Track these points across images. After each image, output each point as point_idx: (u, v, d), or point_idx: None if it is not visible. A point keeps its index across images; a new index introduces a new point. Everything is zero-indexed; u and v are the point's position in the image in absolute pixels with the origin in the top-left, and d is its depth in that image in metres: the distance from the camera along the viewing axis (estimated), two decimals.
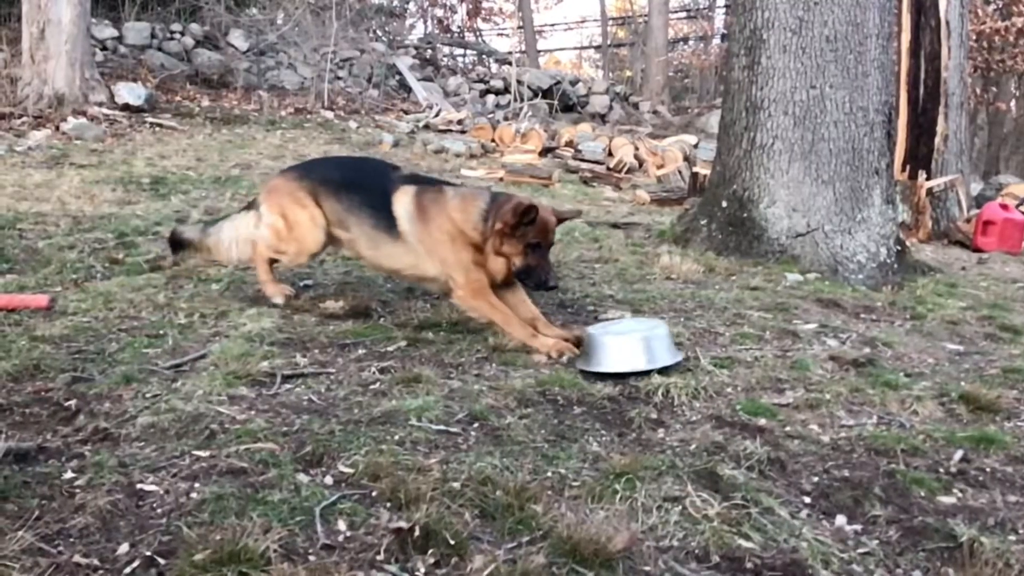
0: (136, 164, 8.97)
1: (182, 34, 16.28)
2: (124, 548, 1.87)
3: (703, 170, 9.34)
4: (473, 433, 2.60)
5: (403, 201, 3.77)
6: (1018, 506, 2.28)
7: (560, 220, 3.79)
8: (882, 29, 5.66)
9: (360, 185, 3.98)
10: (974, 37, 14.63)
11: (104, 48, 15.04)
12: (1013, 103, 22.05)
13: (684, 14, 31.71)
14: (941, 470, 2.50)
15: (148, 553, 1.85)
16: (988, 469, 2.52)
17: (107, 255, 4.94)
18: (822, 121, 5.58)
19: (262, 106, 14.24)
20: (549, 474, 2.32)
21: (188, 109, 13.18)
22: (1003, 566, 1.91)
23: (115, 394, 2.81)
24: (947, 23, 9.02)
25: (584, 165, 11.86)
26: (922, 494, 2.33)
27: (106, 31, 15.38)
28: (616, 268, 5.35)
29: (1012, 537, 2.09)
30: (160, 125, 11.73)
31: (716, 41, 27.31)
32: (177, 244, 4.42)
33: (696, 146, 13.70)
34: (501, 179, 10.21)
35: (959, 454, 2.60)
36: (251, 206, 4.27)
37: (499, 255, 3.61)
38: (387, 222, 3.79)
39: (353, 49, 17.96)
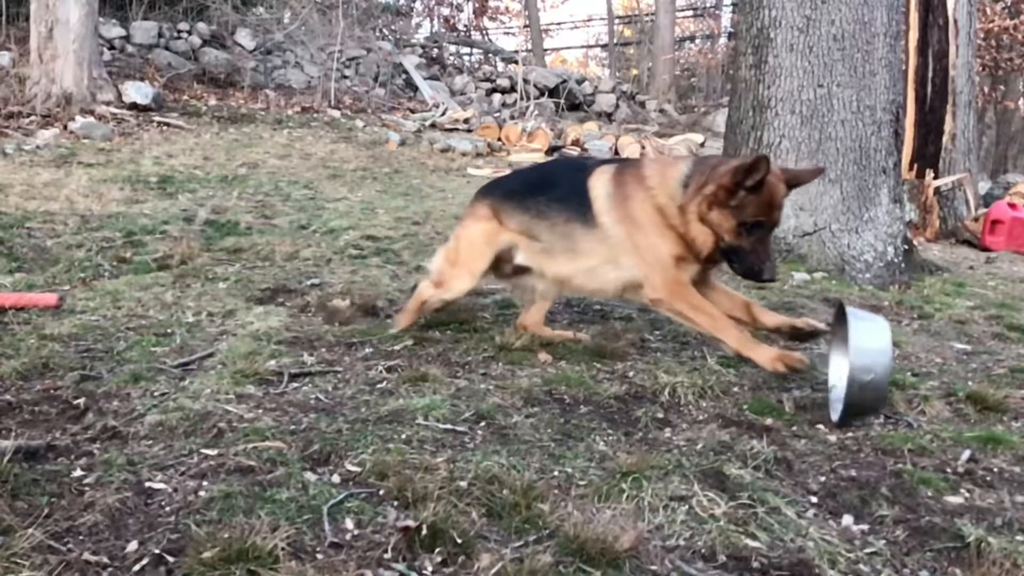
0: (143, 163, 9.00)
1: (189, 33, 16.31)
2: (133, 546, 1.88)
3: None
4: (480, 432, 2.60)
5: (601, 180, 3.29)
6: None
7: (793, 185, 3.10)
8: (890, 28, 5.64)
9: (550, 183, 3.54)
10: (982, 35, 14.58)
11: (112, 47, 15.08)
12: (1021, 101, 21.93)
13: (691, 12, 31.63)
14: (948, 470, 2.49)
15: (157, 551, 1.85)
16: (996, 469, 2.51)
17: (115, 254, 4.95)
18: (829, 120, 5.57)
19: (269, 105, 14.27)
20: (556, 473, 2.33)
21: (195, 108, 13.21)
22: (1011, 566, 1.90)
23: (123, 392, 2.82)
24: (955, 21, 8.99)
25: None
26: (929, 494, 2.32)
27: (113, 30, 15.42)
28: None
29: (1020, 537, 2.08)
30: (167, 124, 11.76)
31: (723, 40, 27.26)
32: None
33: (703, 145, 13.69)
34: None
35: (966, 454, 2.59)
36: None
37: (704, 224, 3.01)
38: (581, 210, 3.30)
39: (360, 48, 17.97)
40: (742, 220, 2.93)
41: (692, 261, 3.16)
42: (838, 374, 2.93)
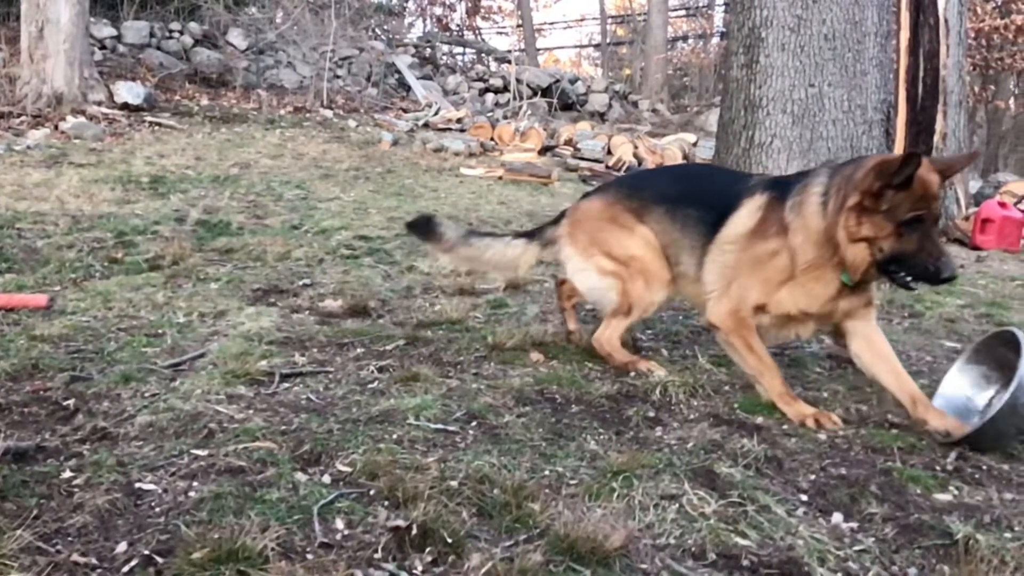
0: (135, 163, 8.97)
1: (181, 33, 16.27)
2: (122, 547, 1.87)
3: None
4: (471, 432, 2.61)
5: (746, 213, 3.00)
6: (1014, 503, 2.28)
7: (947, 175, 2.76)
8: (880, 27, 5.67)
9: (699, 197, 3.21)
10: (973, 35, 14.63)
11: (103, 47, 15.03)
12: (1012, 101, 22.02)
13: (683, 12, 31.69)
14: (937, 467, 2.51)
15: (146, 552, 1.85)
16: (984, 467, 2.52)
17: (106, 254, 4.94)
18: (820, 119, 5.60)
19: (261, 105, 14.24)
20: (547, 472, 2.33)
21: (187, 108, 13.18)
22: (998, 563, 1.91)
23: (114, 393, 2.81)
24: (946, 21, 9.00)
25: (583, 163, 11.86)
26: (918, 491, 2.33)
27: (105, 30, 15.37)
28: None
29: (1008, 534, 2.09)
30: (159, 124, 11.73)
31: (715, 39, 27.30)
32: (426, 231, 3.66)
33: (695, 144, 13.70)
34: (500, 177, 10.21)
35: (955, 452, 2.60)
36: (532, 236, 3.61)
37: (857, 242, 2.68)
38: (710, 235, 3.06)
39: (352, 48, 17.95)
40: (899, 220, 2.61)
41: (797, 319, 2.92)
42: (983, 395, 2.91)
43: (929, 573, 1.93)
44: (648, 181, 3.61)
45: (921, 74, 9.09)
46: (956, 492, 2.34)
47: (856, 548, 2.01)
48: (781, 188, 2.98)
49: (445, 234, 3.61)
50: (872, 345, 2.92)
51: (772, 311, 2.91)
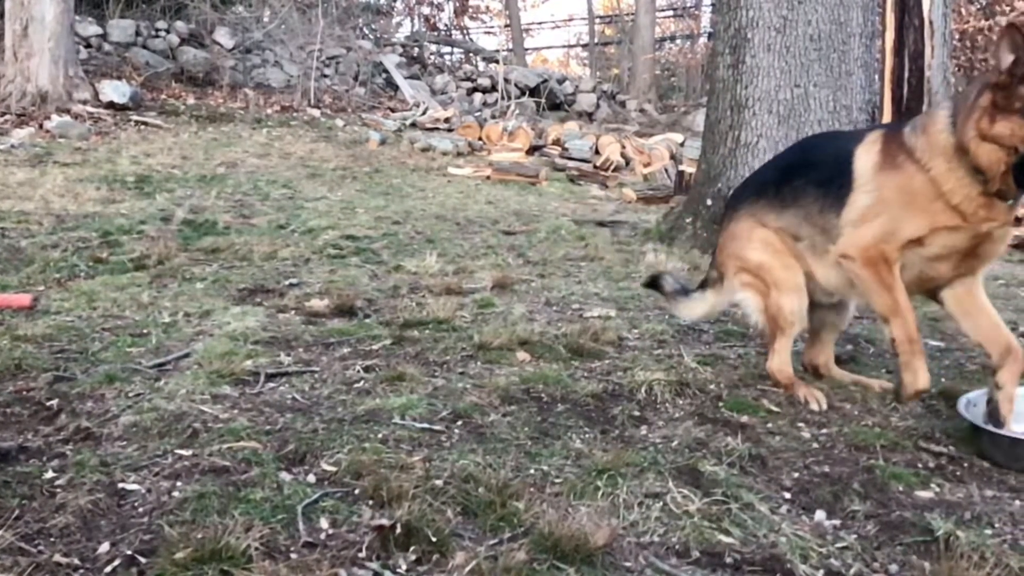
0: (121, 162, 8.93)
1: (167, 32, 16.18)
2: (105, 547, 1.87)
3: (689, 168, 9.37)
4: (456, 431, 2.61)
5: (868, 152, 2.83)
6: (995, 500, 2.30)
7: None
8: (865, 28, 5.71)
9: (807, 163, 3.08)
10: (957, 36, 14.73)
11: (88, 46, 14.93)
12: None
13: (671, 12, 31.76)
14: (920, 465, 2.52)
15: (129, 552, 1.84)
16: (966, 464, 2.54)
17: (91, 254, 4.91)
18: (806, 120, 5.62)
19: (248, 104, 14.19)
20: (532, 471, 2.33)
21: (173, 107, 13.12)
22: (978, 559, 1.93)
23: (98, 393, 2.80)
24: (931, 22, 9.07)
25: (571, 163, 11.88)
26: (900, 489, 2.35)
27: (90, 28, 15.27)
28: (602, 266, 5.37)
29: (988, 531, 2.11)
30: (145, 123, 11.67)
31: (703, 39, 27.37)
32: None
33: (682, 144, 13.74)
34: (488, 177, 10.22)
35: (938, 449, 2.62)
36: (705, 285, 3.35)
37: (990, 142, 2.51)
38: (838, 190, 2.86)
39: (339, 47, 17.91)
40: None
41: (941, 258, 2.78)
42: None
43: (910, 569, 1.94)
44: (758, 177, 3.43)
45: (906, 75, 9.16)
46: (938, 489, 2.36)
47: (838, 545, 2.03)
48: (892, 125, 2.87)
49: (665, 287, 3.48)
50: (982, 312, 2.85)
51: (927, 244, 2.73)
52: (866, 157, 2.83)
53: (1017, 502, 2.29)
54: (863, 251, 2.79)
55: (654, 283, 3.55)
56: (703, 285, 3.36)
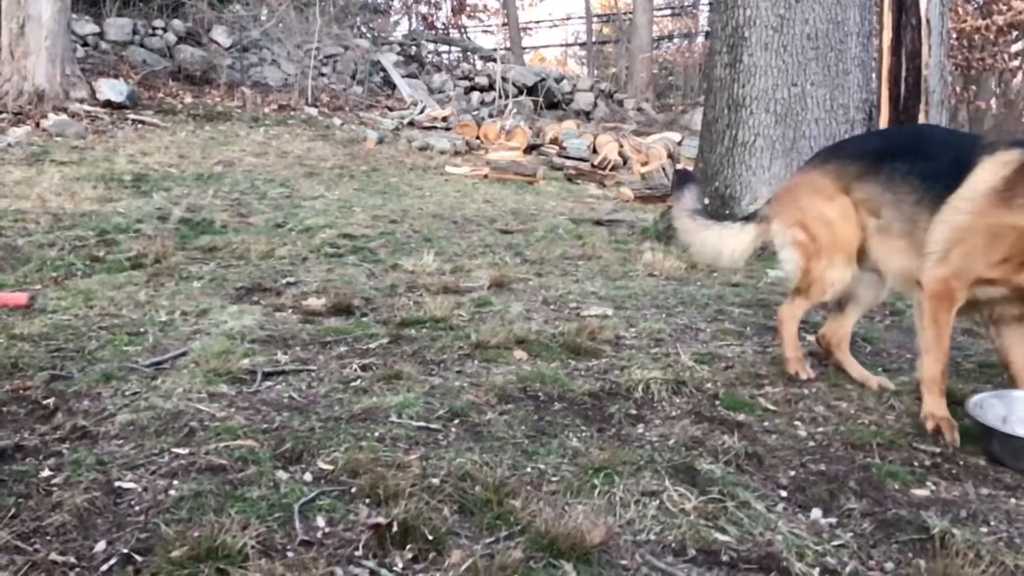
0: (118, 161, 8.91)
1: (164, 30, 16.14)
2: (101, 546, 1.87)
3: (687, 167, 9.37)
4: (453, 429, 2.61)
5: (994, 170, 2.68)
6: (990, 498, 2.31)
7: None
8: (862, 27, 5.72)
9: (919, 152, 2.95)
10: (954, 35, 14.76)
11: (85, 44, 14.89)
12: (993, 101, 22.22)
13: (669, 11, 31.75)
14: (915, 463, 2.53)
15: (125, 550, 1.84)
16: (962, 462, 2.55)
17: (88, 253, 4.91)
18: (803, 118, 5.63)
19: (245, 103, 14.16)
20: (528, 470, 2.34)
21: (171, 106, 13.09)
22: (974, 557, 1.93)
23: (94, 392, 2.80)
24: (928, 21, 9.06)
25: (569, 162, 11.88)
26: (896, 487, 2.36)
27: (87, 27, 15.23)
28: (599, 265, 5.37)
29: (983, 528, 2.12)
30: (142, 122, 11.65)
31: (700, 38, 27.37)
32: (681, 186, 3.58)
33: (680, 143, 13.74)
34: (486, 176, 10.22)
35: (934, 448, 2.62)
36: (750, 218, 3.39)
37: None
38: (942, 191, 2.75)
39: (337, 46, 17.88)
40: None
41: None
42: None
43: (906, 567, 1.95)
44: (860, 143, 3.38)
45: (903, 74, 9.16)
46: (933, 487, 2.37)
47: (834, 543, 2.03)
48: None
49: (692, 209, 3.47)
50: None
51: (999, 285, 2.67)
52: (989, 173, 2.69)
53: (1012, 500, 2.30)
54: (933, 283, 2.76)
55: (680, 183, 3.46)
56: (744, 219, 3.29)
